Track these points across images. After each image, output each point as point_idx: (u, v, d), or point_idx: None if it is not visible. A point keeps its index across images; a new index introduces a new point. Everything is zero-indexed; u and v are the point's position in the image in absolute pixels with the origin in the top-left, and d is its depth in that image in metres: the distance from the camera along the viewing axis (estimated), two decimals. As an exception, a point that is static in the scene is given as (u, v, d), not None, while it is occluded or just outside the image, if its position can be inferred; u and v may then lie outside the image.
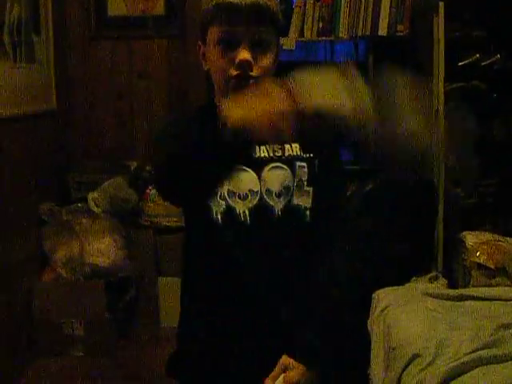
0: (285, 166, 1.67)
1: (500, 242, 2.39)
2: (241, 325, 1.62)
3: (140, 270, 3.53)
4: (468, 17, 3.49)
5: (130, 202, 3.63)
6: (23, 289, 3.24)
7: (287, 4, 3.65)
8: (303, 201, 1.66)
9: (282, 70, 1.55)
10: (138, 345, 3.46)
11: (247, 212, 1.63)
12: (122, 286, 3.42)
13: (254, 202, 1.64)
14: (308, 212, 1.66)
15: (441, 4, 3.38)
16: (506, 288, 1.73)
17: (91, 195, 3.59)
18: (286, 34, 3.47)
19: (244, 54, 1.56)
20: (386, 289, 1.50)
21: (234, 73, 1.58)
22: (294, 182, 1.66)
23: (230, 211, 1.63)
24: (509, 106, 3.62)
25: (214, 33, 1.61)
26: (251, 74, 1.58)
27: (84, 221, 3.43)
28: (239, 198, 1.64)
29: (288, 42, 3.56)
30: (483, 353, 1.26)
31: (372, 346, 1.46)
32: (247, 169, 1.65)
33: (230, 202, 1.64)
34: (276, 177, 1.66)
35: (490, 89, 3.57)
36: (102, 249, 3.35)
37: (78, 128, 4.00)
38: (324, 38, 3.61)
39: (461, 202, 3.49)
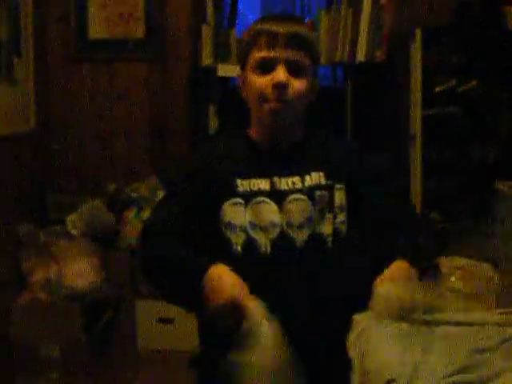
0: (305, 197, 1.71)
1: (474, 267, 2.42)
2: None
3: (117, 292, 3.51)
4: (445, 43, 3.54)
5: (107, 224, 3.63)
6: (0, 310, 3.21)
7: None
8: (325, 228, 1.70)
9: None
10: (115, 367, 3.44)
11: (268, 244, 1.67)
12: (99, 309, 3.40)
13: (275, 234, 1.68)
14: (330, 239, 1.70)
15: (418, 31, 3.45)
16: (480, 313, 1.75)
17: (69, 217, 3.58)
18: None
19: (280, 76, 1.65)
20: (362, 313, 1.52)
21: (271, 94, 1.66)
22: (315, 211, 1.70)
23: (250, 243, 1.68)
24: (484, 132, 3.67)
25: (252, 57, 1.70)
26: (286, 97, 1.66)
27: (62, 243, 3.41)
28: (260, 229, 1.68)
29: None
30: (458, 377, 1.27)
31: (348, 370, 1.47)
32: (268, 201, 1.70)
33: (250, 233, 1.68)
34: (297, 208, 1.69)
35: (466, 114, 3.62)
36: (80, 271, 3.33)
37: (58, 149, 3.99)
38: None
39: (437, 226, 3.52)
